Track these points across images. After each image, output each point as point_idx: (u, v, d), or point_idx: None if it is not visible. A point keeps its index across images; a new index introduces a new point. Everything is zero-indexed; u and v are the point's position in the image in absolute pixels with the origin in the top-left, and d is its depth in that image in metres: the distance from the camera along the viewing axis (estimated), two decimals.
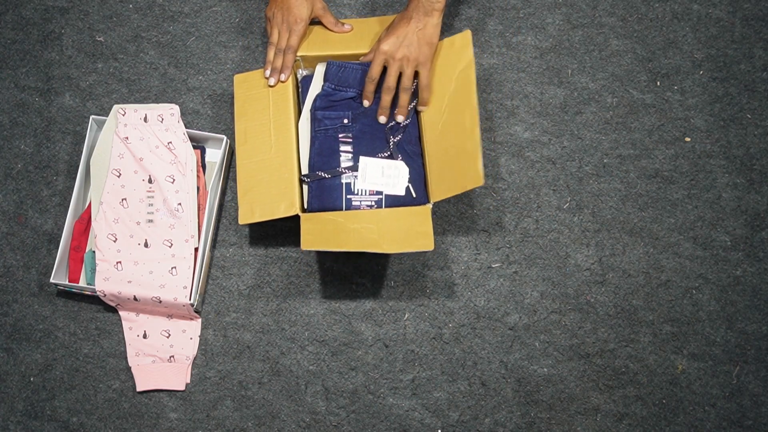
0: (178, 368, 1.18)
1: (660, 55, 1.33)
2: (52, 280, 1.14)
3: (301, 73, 1.21)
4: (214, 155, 1.26)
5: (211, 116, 1.29)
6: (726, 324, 1.22)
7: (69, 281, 1.19)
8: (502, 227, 1.26)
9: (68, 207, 1.20)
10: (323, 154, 1.15)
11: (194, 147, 1.23)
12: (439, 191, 1.11)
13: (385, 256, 1.23)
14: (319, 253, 1.24)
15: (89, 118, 1.25)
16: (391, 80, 1.11)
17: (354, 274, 1.23)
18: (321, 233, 1.07)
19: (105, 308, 1.21)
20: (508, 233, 1.25)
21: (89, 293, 1.18)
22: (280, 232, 1.24)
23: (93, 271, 1.18)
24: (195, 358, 1.19)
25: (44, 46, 1.32)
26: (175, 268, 1.16)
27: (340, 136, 1.15)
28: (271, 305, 1.22)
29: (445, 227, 1.25)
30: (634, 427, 1.19)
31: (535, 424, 1.18)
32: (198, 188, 1.21)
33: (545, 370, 1.20)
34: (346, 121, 1.16)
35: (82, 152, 1.21)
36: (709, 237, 1.26)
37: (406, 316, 1.22)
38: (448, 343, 1.21)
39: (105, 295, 1.14)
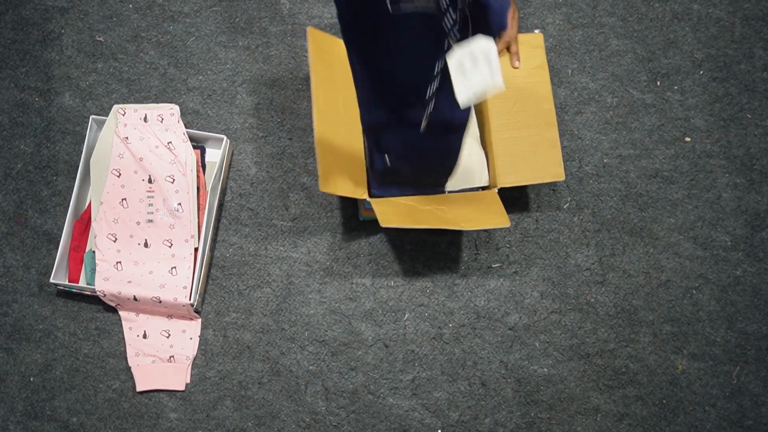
0: (178, 368, 1.18)
1: (660, 55, 1.33)
2: (52, 280, 1.14)
3: None
4: (214, 155, 1.26)
5: (211, 116, 1.29)
6: (726, 324, 1.22)
7: (69, 281, 1.19)
8: (501, 227, 1.25)
9: (68, 207, 1.20)
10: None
11: (194, 147, 1.23)
12: (509, 178, 1.12)
13: (386, 256, 1.23)
14: (319, 253, 1.24)
15: (89, 118, 1.25)
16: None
17: (354, 274, 1.23)
18: (395, 214, 1.08)
19: (105, 308, 1.21)
20: (508, 233, 1.25)
21: (89, 293, 1.18)
22: (280, 232, 1.24)
23: (93, 271, 1.18)
24: (195, 358, 1.19)
25: (44, 46, 1.32)
26: (175, 268, 1.16)
27: None
28: (271, 305, 1.22)
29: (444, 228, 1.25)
30: (634, 427, 1.19)
31: (535, 424, 1.18)
32: (198, 188, 1.21)
33: (545, 370, 1.20)
34: None
35: (82, 152, 1.21)
36: (709, 237, 1.26)
37: (406, 316, 1.22)
38: (448, 343, 1.21)
39: (105, 295, 1.14)
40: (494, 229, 1.25)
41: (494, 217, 1.09)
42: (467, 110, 1.00)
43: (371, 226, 1.25)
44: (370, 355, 1.20)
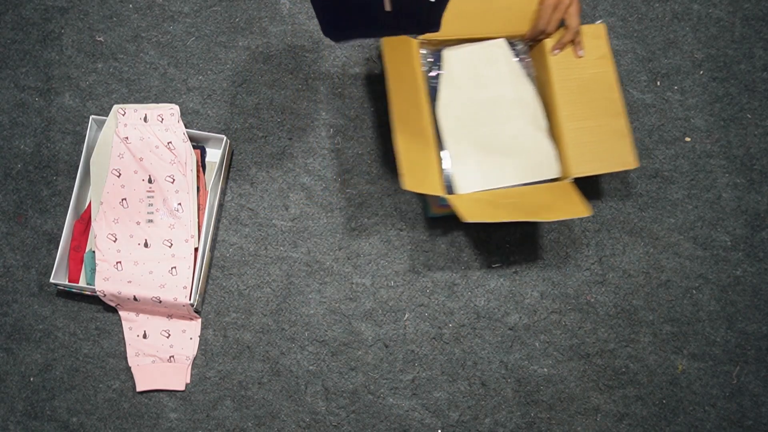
0: (178, 368, 1.18)
1: (660, 55, 1.33)
2: (52, 280, 1.14)
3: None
4: (214, 155, 1.26)
5: (211, 116, 1.29)
6: (726, 324, 1.22)
7: (69, 281, 1.19)
8: (501, 227, 1.25)
9: (68, 207, 1.20)
10: None
11: (194, 147, 1.23)
12: (581, 168, 1.14)
13: (386, 256, 1.23)
14: (319, 253, 1.24)
15: (89, 118, 1.25)
16: (553, 25, 1.16)
17: (354, 274, 1.23)
18: (477, 208, 1.08)
19: (105, 308, 1.21)
20: (508, 233, 1.25)
21: (89, 293, 1.18)
22: (280, 232, 1.24)
23: (93, 271, 1.18)
24: (195, 358, 1.19)
25: (44, 46, 1.32)
26: (175, 268, 1.16)
27: None
28: (271, 305, 1.22)
29: (446, 227, 1.25)
30: (634, 427, 1.19)
31: (535, 424, 1.18)
32: (198, 188, 1.21)
33: (545, 370, 1.20)
34: None
35: (82, 152, 1.21)
36: (709, 237, 1.26)
37: (406, 316, 1.22)
38: (448, 343, 1.21)
39: (105, 295, 1.14)
40: (494, 229, 1.25)
41: (574, 206, 1.09)
42: None
43: (371, 226, 1.25)
44: (370, 355, 1.20)
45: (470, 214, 1.04)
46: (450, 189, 1.15)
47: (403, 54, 1.16)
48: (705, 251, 1.25)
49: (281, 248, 1.24)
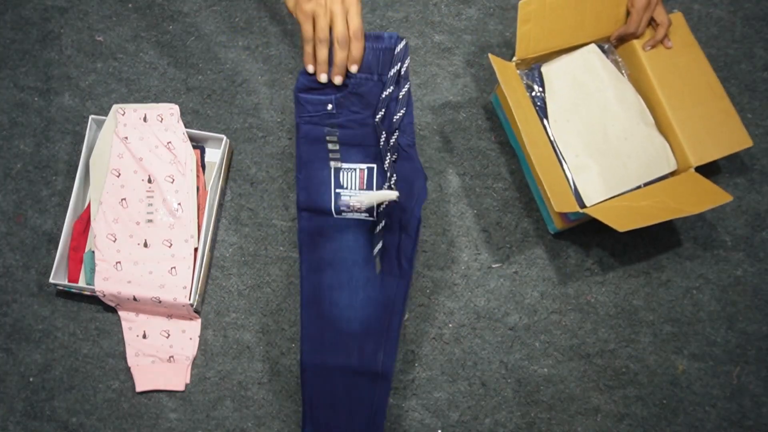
0: (178, 368, 1.18)
1: None
2: (51, 280, 1.14)
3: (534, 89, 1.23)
4: (214, 155, 1.26)
5: (211, 116, 1.29)
6: (726, 324, 1.22)
7: (68, 281, 1.19)
8: (502, 227, 1.25)
9: (68, 207, 1.20)
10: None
11: (194, 147, 1.23)
12: (700, 156, 1.15)
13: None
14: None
15: (89, 118, 1.25)
16: (644, 26, 1.19)
17: None
18: (624, 216, 1.08)
19: (105, 308, 1.21)
20: (508, 233, 1.25)
21: (89, 293, 1.18)
22: (280, 232, 1.24)
23: (92, 271, 1.18)
24: (195, 358, 1.19)
25: (44, 45, 1.32)
26: (174, 268, 1.16)
27: (326, 132, 1.01)
28: (271, 305, 1.22)
29: (445, 227, 1.25)
30: (635, 427, 1.18)
31: (535, 425, 1.18)
32: (198, 188, 1.21)
33: (545, 370, 1.20)
34: (330, 106, 0.95)
35: (81, 152, 1.21)
36: (709, 237, 1.26)
37: (406, 316, 1.22)
38: (448, 343, 1.21)
39: (104, 295, 1.14)
40: (494, 229, 1.25)
41: (713, 194, 1.10)
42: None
43: None
44: None
45: (621, 224, 1.04)
46: (579, 202, 1.16)
47: (512, 78, 1.17)
48: (705, 251, 1.25)
49: (281, 248, 1.24)
